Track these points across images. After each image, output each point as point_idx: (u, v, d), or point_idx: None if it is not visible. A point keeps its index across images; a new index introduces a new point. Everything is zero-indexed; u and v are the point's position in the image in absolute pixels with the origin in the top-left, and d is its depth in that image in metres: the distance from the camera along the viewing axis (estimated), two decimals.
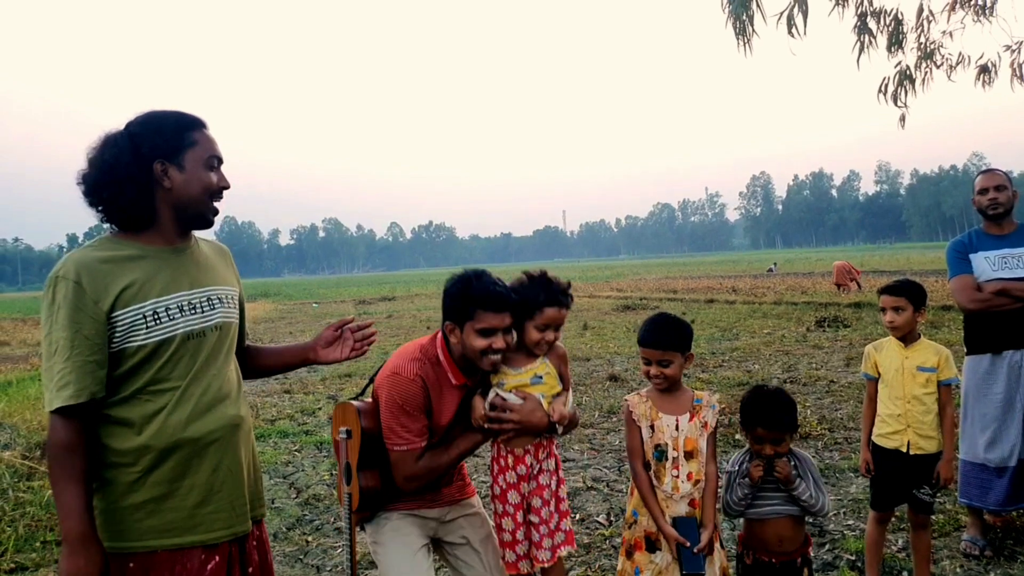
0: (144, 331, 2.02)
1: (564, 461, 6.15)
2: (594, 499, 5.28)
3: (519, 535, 2.61)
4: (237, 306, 2.33)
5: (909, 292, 3.47)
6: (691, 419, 2.79)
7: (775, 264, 46.85)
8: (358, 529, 2.77)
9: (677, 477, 2.74)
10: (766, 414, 2.82)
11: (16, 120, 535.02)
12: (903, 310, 3.45)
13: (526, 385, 2.60)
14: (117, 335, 2.00)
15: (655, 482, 2.75)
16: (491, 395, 2.62)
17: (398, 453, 2.54)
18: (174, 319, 2.06)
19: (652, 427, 2.78)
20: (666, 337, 2.79)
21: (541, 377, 2.64)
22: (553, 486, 2.68)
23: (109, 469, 2.02)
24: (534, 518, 2.64)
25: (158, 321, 2.04)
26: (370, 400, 2.73)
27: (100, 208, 2.08)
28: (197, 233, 2.29)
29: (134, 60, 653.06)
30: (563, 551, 2.67)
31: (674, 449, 2.76)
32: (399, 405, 2.52)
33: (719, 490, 2.86)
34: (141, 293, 2.02)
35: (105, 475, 2.02)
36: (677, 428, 2.77)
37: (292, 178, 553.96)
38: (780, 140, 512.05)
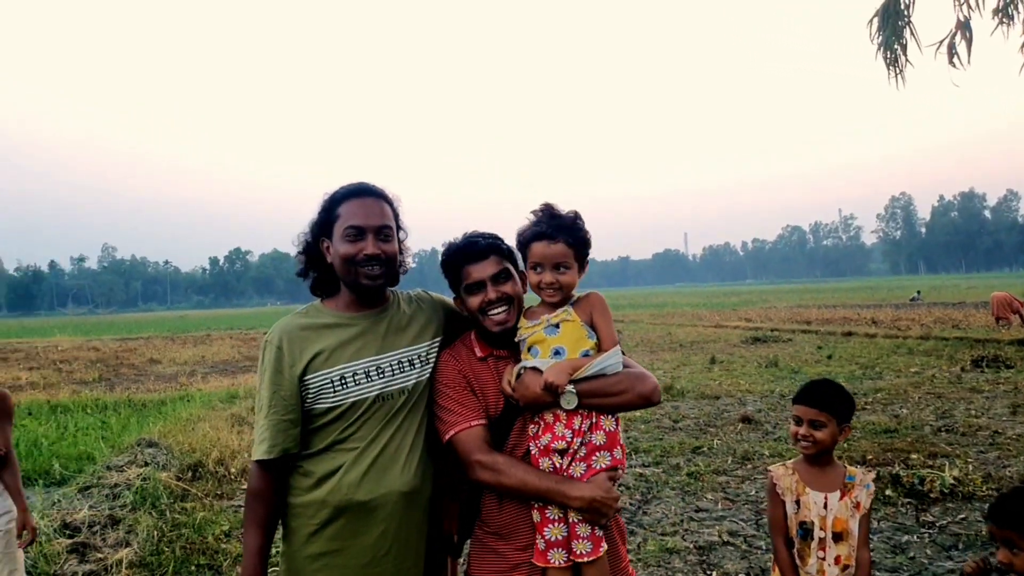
0: (331, 394, 2.18)
1: (696, 511, 5.92)
2: (731, 555, 5.01)
3: (550, 514, 2.12)
4: (435, 357, 2.36)
5: None
6: (842, 497, 2.61)
7: (918, 292, 44.02)
8: None
9: (823, 559, 2.57)
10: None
11: (166, 158, 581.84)
12: None
13: (540, 338, 2.20)
14: (309, 396, 2.19)
15: (798, 562, 2.58)
16: (521, 364, 2.22)
17: (458, 436, 2.20)
18: (360, 384, 2.20)
19: (797, 502, 2.62)
20: (823, 396, 2.65)
21: (557, 326, 2.20)
22: (600, 466, 2.14)
23: (295, 518, 2.21)
24: None
25: (344, 385, 2.18)
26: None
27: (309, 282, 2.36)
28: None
29: (248, 104, 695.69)
30: (604, 546, 2.15)
31: (821, 529, 2.58)
32: (441, 385, 2.28)
33: None
34: (331, 359, 2.19)
35: (291, 523, 2.22)
36: (826, 506, 2.59)
37: (412, 203, 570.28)
38: (921, 159, 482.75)
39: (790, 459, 2.81)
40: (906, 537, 5.18)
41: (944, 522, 5.42)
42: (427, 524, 2.32)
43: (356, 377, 2.19)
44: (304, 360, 2.17)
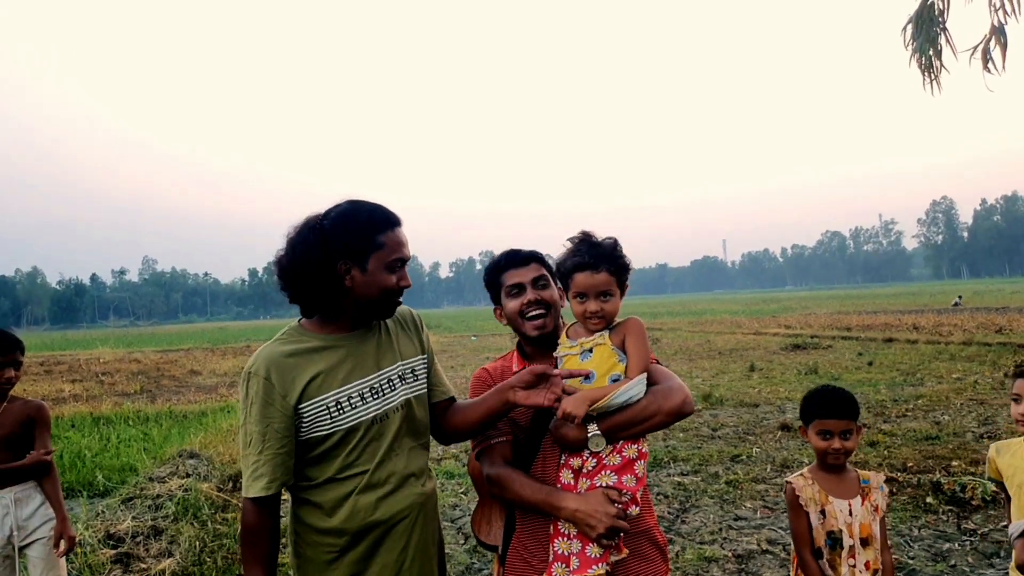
0: (328, 421, 2.10)
1: (735, 520, 5.89)
2: (770, 564, 4.98)
3: (562, 527, 2.13)
4: (424, 373, 2.36)
5: None
6: (863, 502, 2.62)
7: (960, 297, 43.13)
8: None
9: (854, 567, 2.58)
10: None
11: (203, 176, 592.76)
12: None
13: (575, 360, 2.20)
14: (304, 425, 2.09)
15: (830, 572, 2.58)
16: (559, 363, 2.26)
17: (479, 453, 2.33)
18: (356, 407, 2.13)
19: (823, 512, 2.62)
20: (848, 405, 2.67)
21: (591, 351, 2.19)
22: (601, 484, 2.11)
23: (309, 547, 2.15)
24: None
25: (341, 411, 2.11)
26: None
27: (288, 293, 2.19)
28: None
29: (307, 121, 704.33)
30: (597, 568, 2.07)
31: (849, 536, 2.58)
32: None
33: None
34: (324, 385, 2.10)
35: (306, 553, 2.16)
36: (851, 513, 2.60)
37: (451, 214, 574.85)
38: (962, 163, 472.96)
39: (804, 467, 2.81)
40: (947, 545, 5.10)
41: (986, 529, 5.32)
42: (437, 525, 2.34)
43: (352, 400, 2.12)
44: (298, 389, 2.07)
